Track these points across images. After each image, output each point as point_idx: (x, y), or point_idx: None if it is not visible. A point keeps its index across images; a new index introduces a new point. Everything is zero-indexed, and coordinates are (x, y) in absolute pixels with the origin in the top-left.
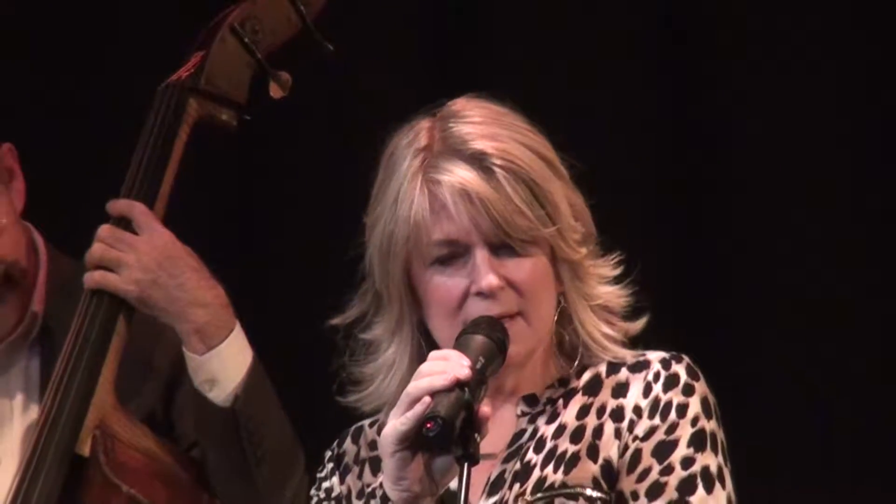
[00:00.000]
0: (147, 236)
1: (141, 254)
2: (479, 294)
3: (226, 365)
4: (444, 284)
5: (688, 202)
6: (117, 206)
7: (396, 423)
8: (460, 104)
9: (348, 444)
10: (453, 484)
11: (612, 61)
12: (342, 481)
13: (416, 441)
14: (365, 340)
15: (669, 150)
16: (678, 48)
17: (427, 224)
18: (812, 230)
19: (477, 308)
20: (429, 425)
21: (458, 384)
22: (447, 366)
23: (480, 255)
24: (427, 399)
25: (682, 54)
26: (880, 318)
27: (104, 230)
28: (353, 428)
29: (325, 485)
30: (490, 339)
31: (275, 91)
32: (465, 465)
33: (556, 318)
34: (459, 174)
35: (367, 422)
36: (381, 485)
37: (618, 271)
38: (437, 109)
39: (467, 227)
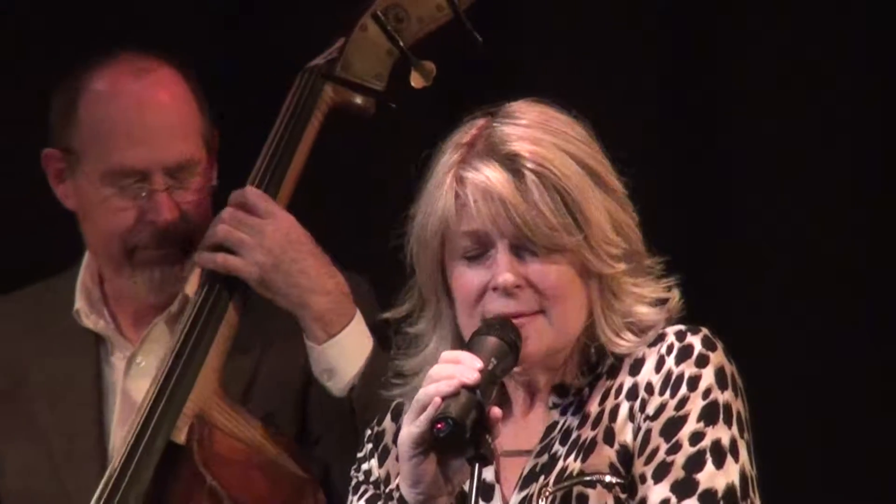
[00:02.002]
0: (270, 219)
1: (264, 236)
2: (497, 290)
3: (345, 354)
4: (467, 276)
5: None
6: (234, 195)
7: (411, 427)
8: (517, 106)
9: (387, 422)
10: (488, 476)
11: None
12: (381, 464)
13: (431, 444)
14: (410, 335)
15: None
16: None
17: (452, 220)
18: (813, 230)
19: (495, 304)
20: (439, 426)
21: (468, 388)
22: (456, 370)
23: (501, 252)
24: (437, 401)
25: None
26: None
27: (227, 212)
28: (394, 405)
29: (364, 466)
30: (502, 341)
31: (416, 81)
32: (476, 465)
33: (583, 328)
34: (486, 173)
35: (407, 399)
36: (398, 486)
37: (663, 295)
38: (496, 108)
39: (489, 225)
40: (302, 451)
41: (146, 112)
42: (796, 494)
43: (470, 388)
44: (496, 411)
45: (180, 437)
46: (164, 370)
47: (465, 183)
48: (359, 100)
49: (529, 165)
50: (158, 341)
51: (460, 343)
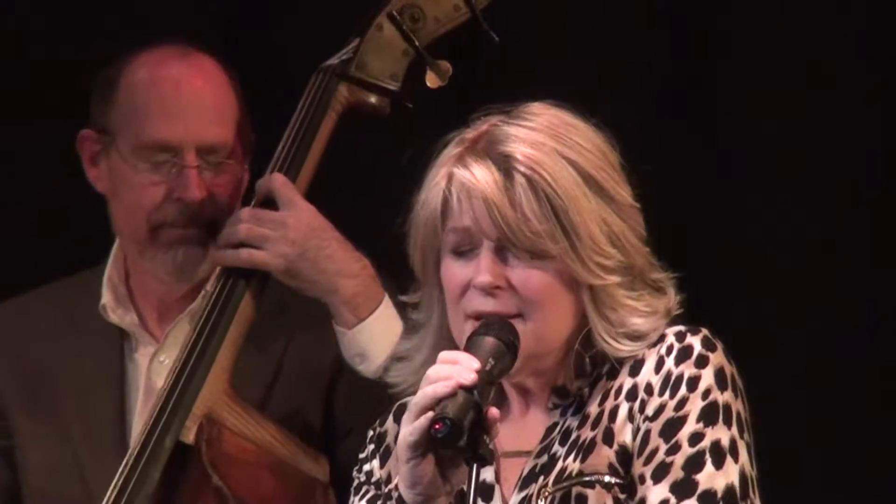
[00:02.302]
0: (290, 210)
1: (286, 228)
2: (476, 288)
3: (375, 337)
4: (453, 270)
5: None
6: (259, 185)
7: (406, 433)
8: (532, 107)
9: (389, 423)
10: (488, 477)
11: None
12: (382, 465)
13: (429, 445)
14: (412, 320)
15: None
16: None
17: (440, 215)
18: (813, 230)
19: (474, 302)
20: (437, 426)
21: (465, 389)
22: (453, 370)
23: (484, 251)
24: (430, 414)
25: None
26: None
27: (245, 212)
28: (396, 406)
29: (366, 467)
30: (500, 341)
31: (431, 80)
32: (475, 465)
33: (576, 337)
34: (474, 172)
35: (409, 399)
36: (396, 486)
37: (662, 309)
38: (512, 108)
39: (473, 224)
40: (315, 451)
41: (184, 91)
42: (796, 494)
43: (467, 389)
44: (494, 412)
45: (189, 436)
46: (174, 370)
47: (453, 181)
48: (374, 100)
49: (521, 168)
50: (182, 339)
51: (448, 334)
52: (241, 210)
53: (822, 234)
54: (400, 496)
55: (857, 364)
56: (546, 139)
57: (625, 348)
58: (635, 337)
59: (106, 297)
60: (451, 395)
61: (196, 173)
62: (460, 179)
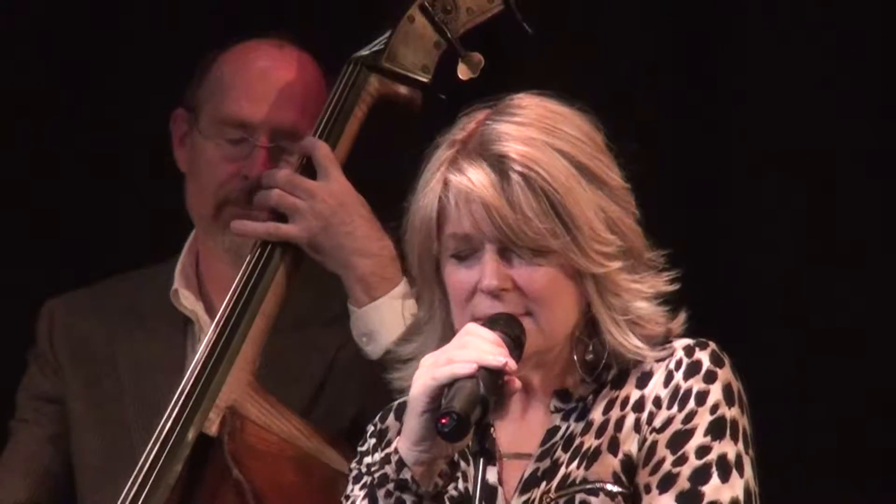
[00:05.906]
0: (325, 182)
1: (316, 200)
2: (483, 292)
3: (384, 319)
4: (457, 275)
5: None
6: (303, 144)
7: (427, 377)
8: (518, 100)
9: (391, 419)
10: (492, 478)
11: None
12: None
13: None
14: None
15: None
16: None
17: (435, 222)
18: (812, 229)
19: (482, 305)
20: (443, 420)
21: (472, 382)
22: (498, 350)
23: (487, 255)
24: (475, 366)
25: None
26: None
27: (281, 175)
28: (397, 403)
29: (367, 460)
30: (507, 336)
31: (463, 72)
32: (481, 461)
33: (578, 326)
34: (470, 176)
35: (405, 381)
36: (395, 450)
37: (663, 288)
38: (498, 101)
39: (473, 229)
40: (340, 443)
41: (270, 75)
42: (796, 494)
43: (475, 384)
44: (517, 383)
45: (212, 428)
46: (198, 361)
47: (449, 186)
48: (405, 91)
49: (517, 168)
50: None
51: (450, 336)
52: (278, 172)
53: (821, 233)
54: (400, 459)
55: (857, 363)
56: (537, 133)
57: (629, 345)
58: (642, 336)
59: (178, 283)
60: (470, 376)
61: (266, 153)
62: (456, 185)
